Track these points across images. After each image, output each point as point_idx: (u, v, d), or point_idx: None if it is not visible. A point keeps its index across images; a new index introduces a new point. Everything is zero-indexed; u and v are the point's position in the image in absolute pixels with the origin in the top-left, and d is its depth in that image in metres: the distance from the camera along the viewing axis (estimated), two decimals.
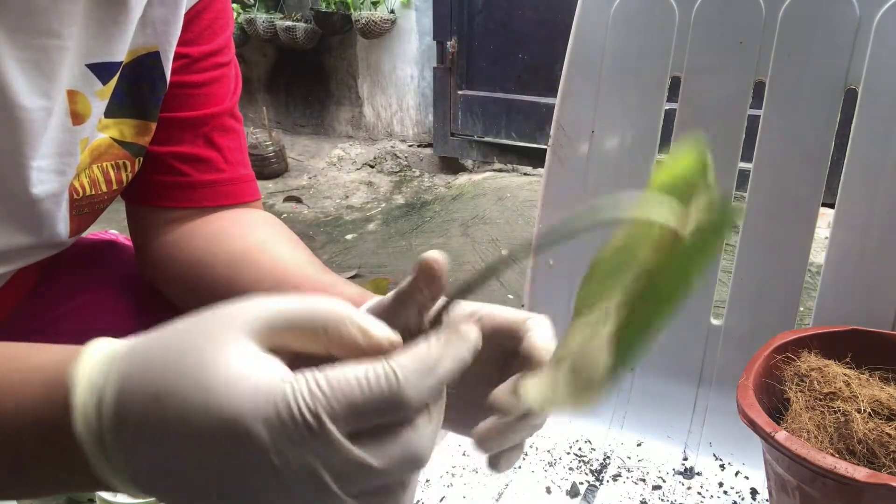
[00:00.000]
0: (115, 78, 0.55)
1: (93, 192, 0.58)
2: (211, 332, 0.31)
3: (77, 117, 0.53)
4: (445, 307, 0.37)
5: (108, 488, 0.32)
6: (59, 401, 0.31)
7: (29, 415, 0.32)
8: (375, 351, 0.32)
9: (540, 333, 0.42)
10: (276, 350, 0.31)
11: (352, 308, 0.33)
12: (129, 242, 0.75)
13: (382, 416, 0.30)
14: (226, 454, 0.29)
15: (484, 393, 0.42)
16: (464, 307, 0.43)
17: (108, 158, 0.58)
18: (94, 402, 0.30)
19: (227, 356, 0.30)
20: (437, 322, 0.37)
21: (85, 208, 0.59)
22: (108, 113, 0.57)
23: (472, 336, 0.34)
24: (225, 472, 0.29)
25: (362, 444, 0.30)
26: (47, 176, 0.52)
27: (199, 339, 0.30)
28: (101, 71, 0.53)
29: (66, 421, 0.30)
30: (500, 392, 0.39)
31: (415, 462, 0.31)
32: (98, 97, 0.54)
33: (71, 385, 0.31)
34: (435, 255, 0.39)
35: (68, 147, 0.53)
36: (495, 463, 0.42)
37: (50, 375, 0.32)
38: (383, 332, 0.33)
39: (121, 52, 0.54)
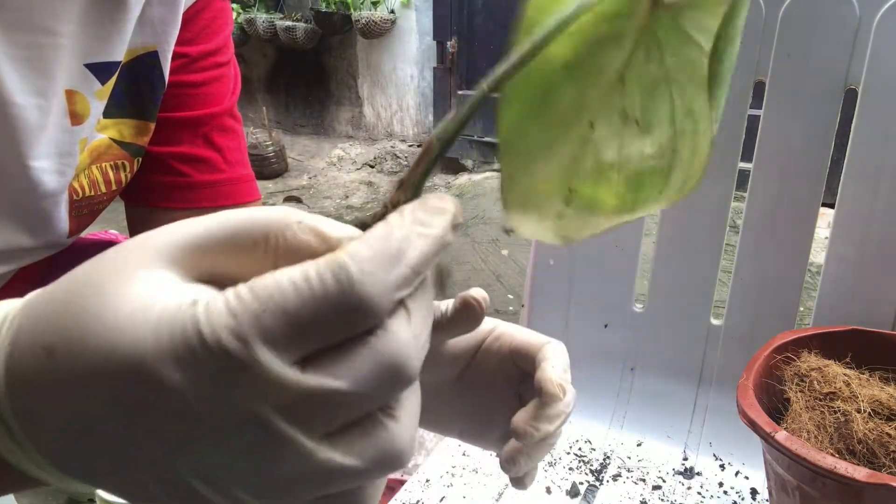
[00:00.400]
0: (114, 78, 0.55)
1: (92, 193, 0.58)
2: (116, 267, 0.23)
3: (76, 117, 0.53)
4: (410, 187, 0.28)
5: (32, 481, 0.25)
6: None
7: None
8: None
9: (554, 366, 0.41)
10: (208, 280, 0.24)
11: (300, 211, 0.25)
12: None
13: (339, 327, 0.22)
14: (138, 411, 0.22)
15: (500, 409, 0.43)
16: (483, 323, 0.44)
17: (108, 159, 0.58)
18: None
19: (133, 288, 0.22)
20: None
21: (84, 209, 0.59)
22: (107, 113, 0.57)
23: (446, 206, 0.25)
24: (145, 436, 0.22)
25: (318, 366, 0.22)
26: (48, 176, 0.52)
27: (101, 277, 0.23)
28: (100, 71, 0.53)
29: None
30: (521, 419, 0.39)
31: (396, 377, 0.23)
32: (97, 97, 0.54)
33: None
34: (480, 295, 0.38)
35: (67, 147, 0.53)
36: (521, 481, 0.42)
37: None
38: (344, 229, 0.25)
39: (119, 52, 0.54)
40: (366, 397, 0.23)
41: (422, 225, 0.24)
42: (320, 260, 0.22)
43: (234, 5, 3.57)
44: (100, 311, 0.22)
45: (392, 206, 0.26)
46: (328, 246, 0.24)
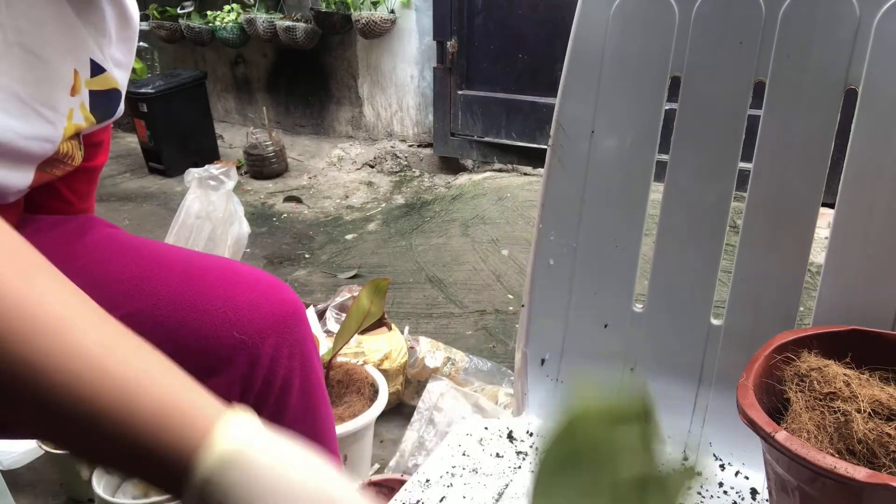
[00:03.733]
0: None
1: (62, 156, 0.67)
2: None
3: (73, 90, 0.64)
4: None
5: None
6: (181, 465, 0.37)
7: (146, 450, 0.37)
8: None
9: None
10: None
11: None
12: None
13: None
14: None
15: None
16: None
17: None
18: (208, 488, 0.36)
19: None
20: None
21: (47, 167, 0.67)
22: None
23: None
24: None
25: None
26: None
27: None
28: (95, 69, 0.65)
29: (181, 477, 0.37)
30: None
31: None
32: (85, 85, 0.65)
33: (197, 465, 0.37)
34: None
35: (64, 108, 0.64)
36: None
37: (182, 439, 0.37)
38: None
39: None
40: None
41: None
42: None
43: (234, 5, 3.57)
44: None
45: None
46: None
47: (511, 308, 2.14)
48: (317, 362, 0.73)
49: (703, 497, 0.84)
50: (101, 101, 0.66)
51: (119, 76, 0.68)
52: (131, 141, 3.94)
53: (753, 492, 0.85)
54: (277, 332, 0.68)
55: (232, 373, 0.66)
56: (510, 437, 0.96)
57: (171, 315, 0.65)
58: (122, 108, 0.71)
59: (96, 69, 0.64)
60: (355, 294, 1.71)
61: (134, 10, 0.70)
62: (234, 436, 0.37)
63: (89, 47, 0.63)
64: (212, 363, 0.65)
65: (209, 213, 2.02)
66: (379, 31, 3.23)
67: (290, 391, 0.70)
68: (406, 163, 3.46)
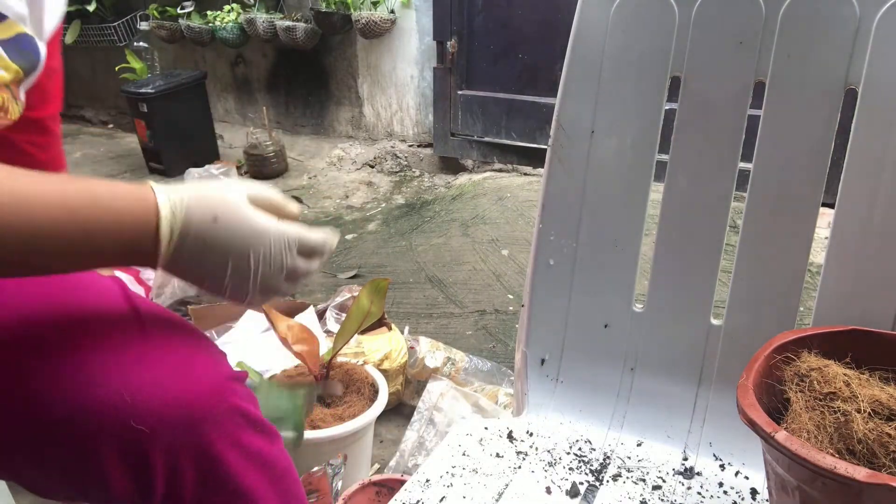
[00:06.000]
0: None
1: None
2: (233, 195, 0.59)
3: None
4: None
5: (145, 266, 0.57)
6: (148, 231, 0.55)
7: (122, 236, 0.55)
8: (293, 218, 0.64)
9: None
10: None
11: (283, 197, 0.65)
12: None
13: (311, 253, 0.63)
14: (256, 251, 0.59)
15: None
16: None
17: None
18: (169, 230, 0.56)
19: (251, 210, 0.60)
20: None
21: None
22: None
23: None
24: (245, 263, 0.59)
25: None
26: None
27: (228, 195, 0.59)
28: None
29: (151, 242, 0.55)
30: None
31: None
32: None
33: (157, 222, 0.55)
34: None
35: None
36: None
37: (137, 216, 0.55)
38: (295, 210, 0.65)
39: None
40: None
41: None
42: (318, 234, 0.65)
43: (234, 5, 3.57)
44: (246, 212, 0.59)
45: None
46: (293, 215, 0.65)
47: (511, 308, 2.14)
48: (241, 449, 0.66)
49: (703, 497, 0.84)
50: (13, 47, 0.63)
51: (20, 18, 0.64)
52: (131, 141, 3.94)
53: (753, 492, 0.85)
54: (175, 432, 0.61)
55: (121, 477, 0.60)
56: (510, 437, 0.96)
57: (48, 405, 0.58)
58: (43, 52, 0.67)
59: None
60: (355, 294, 1.71)
61: None
62: (170, 198, 0.56)
63: None
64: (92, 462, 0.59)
65: None
66: (379, 31, 3.23)
67: (210, 492, 0.64)
68: (406, 163, 3.46)
